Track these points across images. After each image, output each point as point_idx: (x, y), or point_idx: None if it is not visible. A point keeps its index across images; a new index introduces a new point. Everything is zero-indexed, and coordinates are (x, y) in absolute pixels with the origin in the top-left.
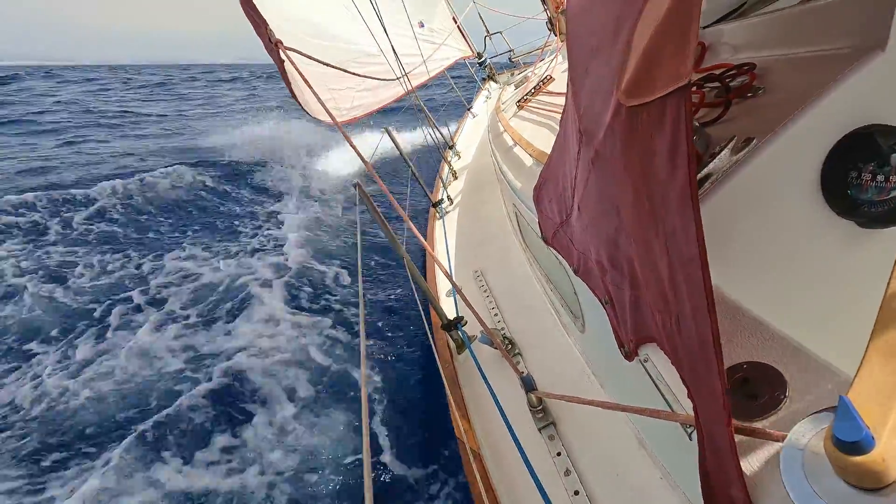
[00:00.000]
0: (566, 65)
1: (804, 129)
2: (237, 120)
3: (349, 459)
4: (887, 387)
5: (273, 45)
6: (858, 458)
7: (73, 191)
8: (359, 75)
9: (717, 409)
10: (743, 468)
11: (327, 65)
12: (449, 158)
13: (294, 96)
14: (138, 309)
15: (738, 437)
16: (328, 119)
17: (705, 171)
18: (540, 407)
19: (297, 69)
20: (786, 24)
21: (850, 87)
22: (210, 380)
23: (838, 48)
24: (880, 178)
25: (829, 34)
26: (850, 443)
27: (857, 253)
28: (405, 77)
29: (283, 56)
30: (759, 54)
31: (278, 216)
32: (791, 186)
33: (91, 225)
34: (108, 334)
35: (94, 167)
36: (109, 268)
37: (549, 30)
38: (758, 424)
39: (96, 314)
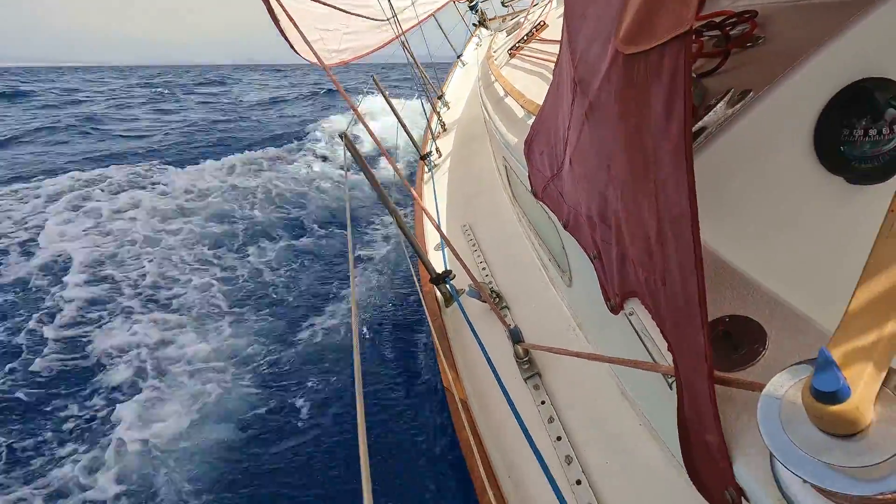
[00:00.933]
0: (561, 10)
1: (801, 82)
2: None
3: (341, 412)
4: (867, 338)
5: None
6: (836, 407)
7: None
8: (347, 12)
9: (699, 363)
10: (720, 417)
11: (320, 2)
12: (438, 109)
13: (283, 35)
14: None
15: (717, 388)
16: (315, 60)
17: (700, 124)
18: (526, 358)
19: (282, 6)
20: None
21: (852, 38)
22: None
23: None
24: (873, 132)
25: None
26: (827, 393)
27: (844, 209)
28: (395, 18)
29: None
30: (762, 1)
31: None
32: (784, 142)
33: None
34: None
35: None
36: None
37: None
38: (736, 375)
39: None
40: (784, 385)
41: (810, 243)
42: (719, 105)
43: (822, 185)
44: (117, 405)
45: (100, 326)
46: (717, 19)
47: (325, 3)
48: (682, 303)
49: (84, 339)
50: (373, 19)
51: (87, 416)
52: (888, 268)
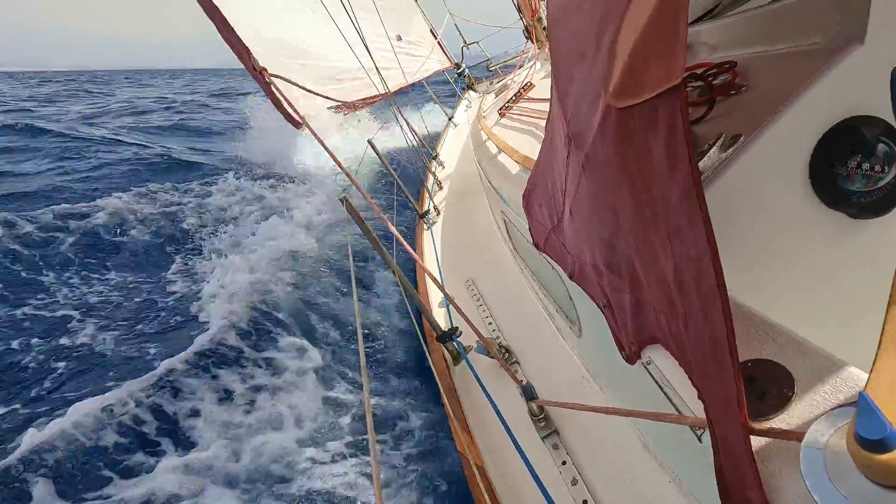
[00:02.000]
0: (545, 71)
1: (790, 123)
2: None
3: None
4: None
5: (258, 73)
6: (885, 456)
7: None
8: (342, 101)
9: (731, 410)
10: (759, 469)
11: (312, 92)
12: (433, 169)
13: (283, 114)
14: None
15: (752, 438)
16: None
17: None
18: (542, 415)
19: (282, 95)
20: (761, 23)
21: (832, 81)
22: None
23: (813, 43)
24: (866, 167)
25: (803, 30)
26: (874, 440)
27: (849, 243)
28: (393, 97)
29: (267, 80)
30: (739, 52)
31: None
32: (781, 181)
33: None
34: None
35: None
36: None
37: (526, 37)
38: (768, 424)
39: None
40: (825, 433)
41: (821, 280)
42: (713, 150)
43: (825, 221)
44: None
45: None
46: (699, 71)
47: (322, 96)
48: (708, 348)
49: None
50: (368, 100)
51: None
52: None
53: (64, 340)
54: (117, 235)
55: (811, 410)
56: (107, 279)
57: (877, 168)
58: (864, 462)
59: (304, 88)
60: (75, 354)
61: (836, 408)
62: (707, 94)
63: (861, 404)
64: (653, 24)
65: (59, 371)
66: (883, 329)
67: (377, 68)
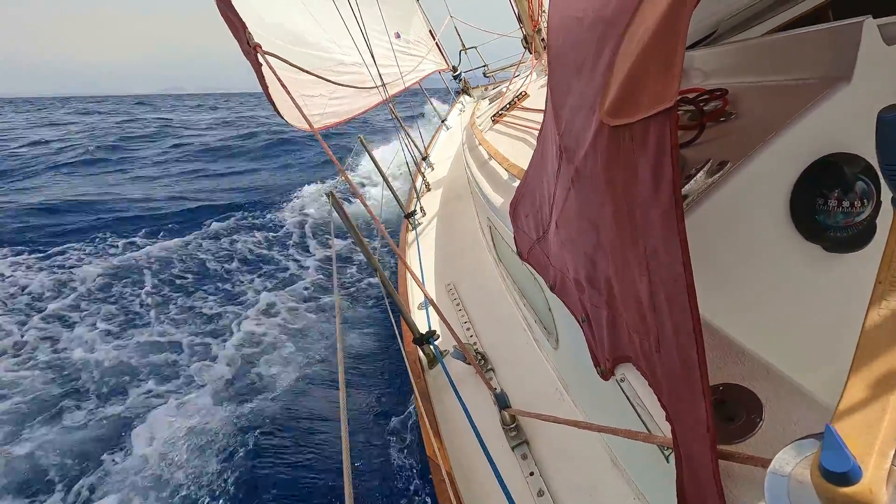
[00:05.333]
0: (541, 82)
1: (775, 155)
2: None
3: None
4: (871, 415)
5: (251, 49)
6: (847, 490)
7: None
8: (340, 84)
9: (699, 432)
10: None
11: (306, 71)
12: (422, 170)
13: (270, 101)
14: None
15: (719, 462)
16: (305, 126)
17: (682, 191)
18: (513, 425)
19: (275, 74)
20: (756, 54)
21: (818, 116)
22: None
23: (806, 78)
24: (846, 204)
25: (798, 65)
26: (838, 473)
27: (824, 276)
28: (384, 87)
29: (260, 60)
30: (731, 81)
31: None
32: (762, 210)
33: None
34: None
35: None
36: None
37: (525, 47)
38: (735, 448)
39: None
40: (790, 462)
41: (794, 309)
42: (699, 174)
43: (801, 253)
44: None
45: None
46: (691, 95)
47: (316, 75)
48: (679, 370)
49: None
50: (361, 87)
51: None
52: (883, 340)
53: None
54: None
55: (777, 437)
56: None
57: (855, 204)
58: (827, 494)
59: (297, 68)
60: None
61: (803, 438)
62: (697, 119)
63: (826, 437)
64: (651, 45)
65: None
66: (852, 363)
67: (375, 63)
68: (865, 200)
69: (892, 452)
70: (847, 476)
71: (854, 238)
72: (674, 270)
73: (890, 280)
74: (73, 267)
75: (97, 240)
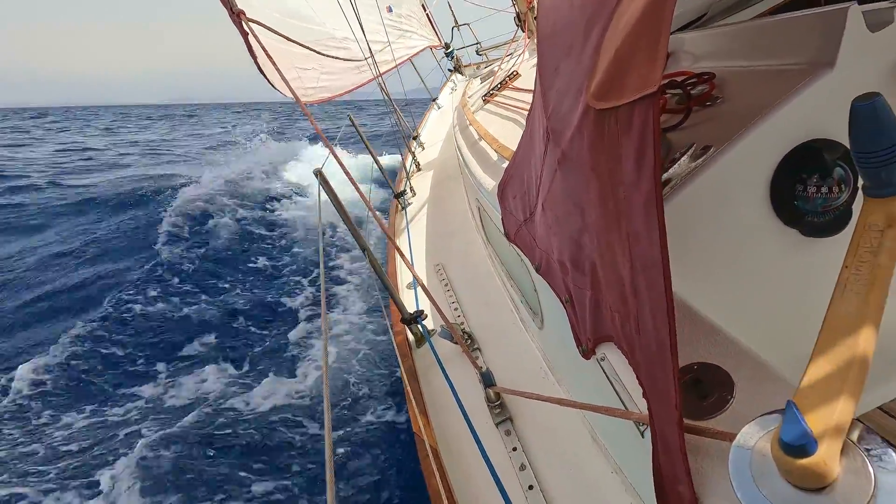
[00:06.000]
0: (533, 61)
1: (757, 140)
2: None
3: (310, 459)
4: (829, 393)
5: (235, 16)
6: (803, 461)
7: None
8: (324, 55)
9: (669, 409)
10: (692, 466)
11: (291, 41)
12: (413, 149)
13: (260, 70)
14: None
15: (688, 437)
16: (291, 96)
17: (665, 175)
18: (498, 402)
19: (259, 42)
20: (744, 37)
21: (801, 102)
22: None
23: (793, 63)
24: (824, 189)
25: (785, 49)
26: (795, 446)
27: (800, 260)
28: (372, 58)
29: (245, 28)
30: (718, 64)
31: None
32: (743, 195)
33: None
34: None
35: None
36: None
37: (517, 25)
38: (707, 423)
39: None
40: (754, 436)
41: (770, 292)
42: (683, 158)
43: (779, 237)
44: None
45: None
46: (679, 79)
47: (301, 45)
48: (654, 349)
49: None
50: (349, 60)
51: None
52: (845, 322)
53: None
54: None
55: (746, 413)
56: None
57: (833, 190)
58: (784, 466)
59: (282, 36)
60: None
61: (767, 413)
62: (684, 103)
63: (787, 411)
64: (637, 29)
65: None
66: (816, 343)
67: (365, 36)
68: (843, 186)
69: (847, 428)
70: (804, 448)
71: (830, 223)
72: (652, 254)
73: (856, 265)
74: None
75: None
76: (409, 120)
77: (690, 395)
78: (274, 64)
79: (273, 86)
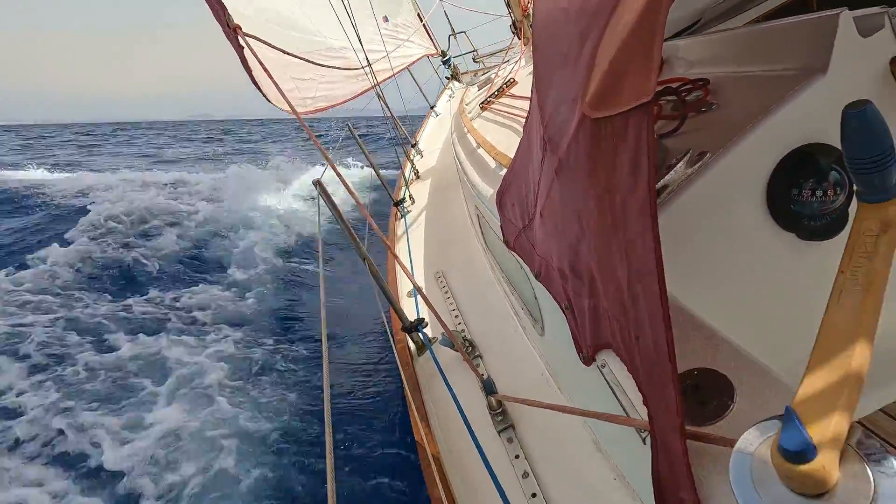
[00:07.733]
0: (529, 68)
1: (752, 145)
2: None
3: (311, 461)
4: (828, 397)
5: (231, 31)
6: (802, 467)
7: None
8: (320, 65)
9: (671, 416)
10: (693, 472)
11: (287, 53)
12: (411, 157)
13: (256, 85)
14: None
15: (689, 442)
16: (288, 108)
17: (661, 182)
18: (499, 410)
19: (255, 56)
20: (738, 44)
21: (795, 107)
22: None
23: (786, 69)
24: (819, 193)
25: (778, 55)
26: (794, 452)
27: (798, 263)
28: (369, 67)
29: (241, 42)
30: (713, 70)
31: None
32: (740, 200)
33: None
34: None
35: None
36: None
37: (513, 33)
38: (707, 429)
39: None
40: (754, 442)
41: (768, 296)
42: (679, 165)
43: (777, 241)
44: None
45: None
46: (674, 85)
47: (297, 56)
48: (653, 356)
49: None
50: (346, 69)
51: None
52: (842, 327)
53: None
54: None
55: (747, 419)
56: None
57: (829, 193)
58: (784, 471)
59: (279, 49)
60: None
61: (767, 419)
62: (679, 109)
63: (786, 417)
64: (630, 40)
65: None
66: (813, 348)
67: (363, 46)
68: (838, 189)
69: (846, 433)
70: (803, 454)
71: (827, 226)
72: (647, 261)
73: (851, 270)
74: None
75: None
76: (408, 128)
77: (690, 400)
78: (271, 78)
79: (269, 100)
